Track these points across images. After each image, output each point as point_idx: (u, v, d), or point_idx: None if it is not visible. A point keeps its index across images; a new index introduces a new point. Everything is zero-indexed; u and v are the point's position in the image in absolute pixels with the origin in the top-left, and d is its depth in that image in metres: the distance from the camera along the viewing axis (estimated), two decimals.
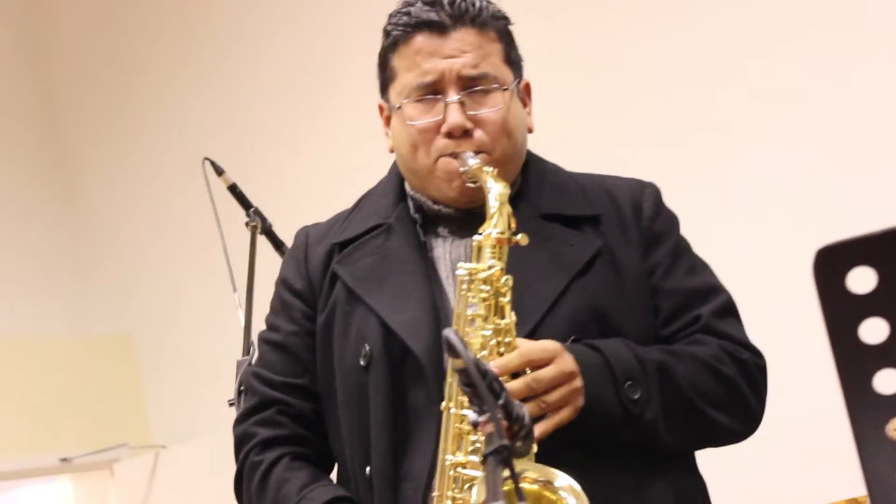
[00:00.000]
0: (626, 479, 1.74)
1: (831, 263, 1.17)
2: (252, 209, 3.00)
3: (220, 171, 3.05)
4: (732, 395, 1.81)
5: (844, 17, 3.62)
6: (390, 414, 1.79)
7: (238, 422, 1.94)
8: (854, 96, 3.58)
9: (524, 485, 1.53)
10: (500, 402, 1.39)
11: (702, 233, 3.62)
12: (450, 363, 1.62)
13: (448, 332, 1.34)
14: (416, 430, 1.77)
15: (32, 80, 5.72)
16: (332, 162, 4.73)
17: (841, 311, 1.18)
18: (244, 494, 1.91)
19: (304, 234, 1.99)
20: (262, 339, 1.99)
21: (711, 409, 1.79)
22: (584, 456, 1.64)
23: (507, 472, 1.28)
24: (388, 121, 1.92)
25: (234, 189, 3.03)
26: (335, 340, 1.87)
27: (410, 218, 1.90)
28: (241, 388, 2.45)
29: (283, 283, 1.97)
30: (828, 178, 3.59)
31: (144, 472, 5.17)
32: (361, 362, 1.81)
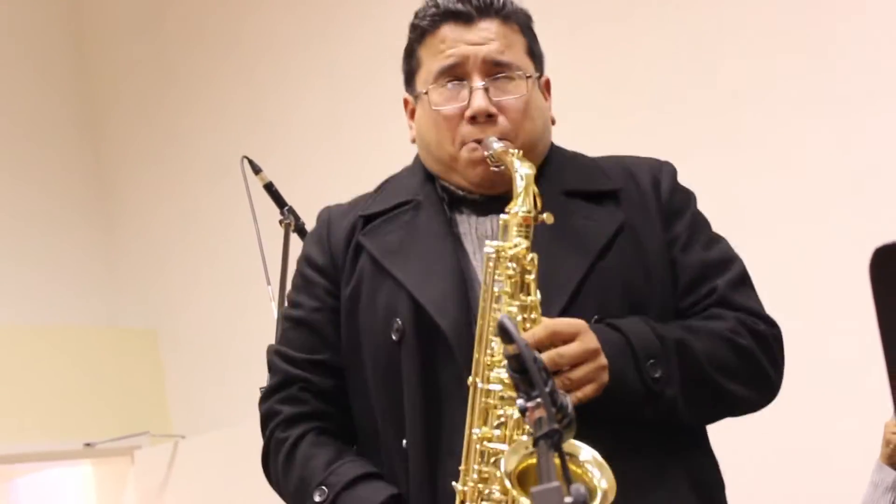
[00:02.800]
0: (644, 461, 1.70)
1: (888, 262, 1.14)
2: (286, 207, 2.97)
3: (257, 170, 3.02)
4: (750, 366, 1.78)
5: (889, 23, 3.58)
6: (423, 389, 1.74)
7: (262, 400, 1.90)
8: None
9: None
10: (548, 388, 1.35)
11: (748, 232, 3.56)
12: (502, 349, 1.60)
13: (503, 318, 1.31)
14: (450, 406, 1.73)
15: (73, 78, 5.72)
16: (364, 163, 4.71)
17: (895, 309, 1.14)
18: (271, 469, 1.87)
19: (327, 213, 1.95)
20: (284, 317, 1.94)
21: (729, 382, 1.76)
22: (603, 439, 1.57)
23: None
24: (412, 114, 1.90)
25: (269, 187, 3.00)
26: (362, 313, 1.82)
27: (438, 196, 1.86)
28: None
29: (305, 259, 1.92)
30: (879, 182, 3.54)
31: (163, 459, 5.15)
32: (393, 337, 1.77)
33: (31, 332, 5.22)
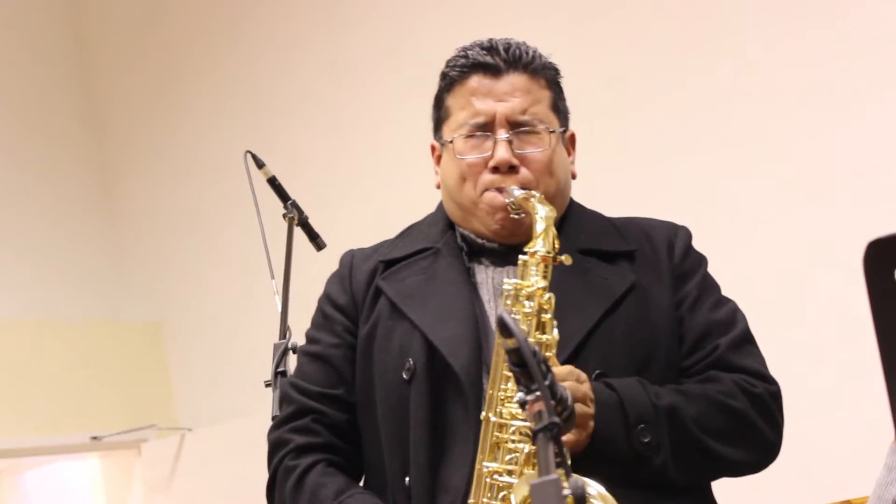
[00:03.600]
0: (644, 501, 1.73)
1: (881, 256, 1.15)
2: (290, 201, 2.98)
3: (260, 164, 3.03)
4: (744, 429, 1.81)
5: (881, 17, 3.58)
6: (430, 427, 1.78)
7: (273, 429, 1.93)
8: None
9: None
10: (547, 382, 1.37)
11: (748, 225, 3.53)
12: (501, 343, 1.63)
13: (501, 312, 1.32)
14: (454, 443, 1.77)
15: (76, 72, 5.73)
16: (367, 157, 4.73)
17: (889, 302, 1.16)
18: (276, 498, 1.89)
19: (350, 255, 2.01)
20: (302, 352, 1.98)
21: (721, 446, 1.79)
22: (602, 483, 1.61)
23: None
24: (438, 160, 1.95)
25: (273, 182, 3.01)
26: (376, 352, 1.86)
27: (457, 245, 1.91)
28: (279, 386, 2.40)
29: (326, 298, 1.97)
30: (872, 178, 3.55)
31: (170, 452, 5.18)
32: (404, 376, 1.81)
33: (36, 326, 5.25)
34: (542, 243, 1.74)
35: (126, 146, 5.69)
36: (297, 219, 2.96)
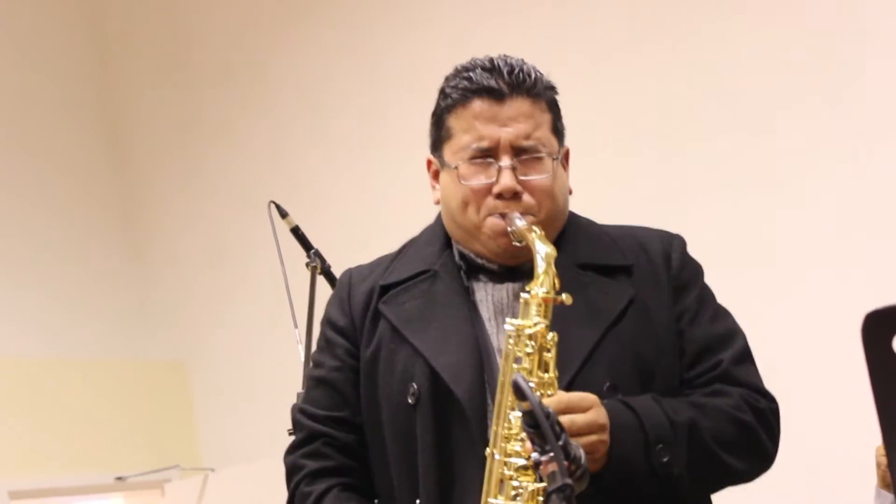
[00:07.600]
0: None
1: (879, 327, 1.20)
2: (313, 251, 3.05)
3: (283, 214, 3.11)
4: (750, 441, 1.87)
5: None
6: (437, 452, 1.83)
7: (287, 454, 1.99)
8: None
9: None
10: (560, 443, 1.43)
11: (743, 288, 3.59)
12: (515, 405, 1.69)
13: (516, 377, 1.38)
14: (463, 469, 1.81)
15: (100, 112, 5.80)
16: (391, 205, 4.79)
17: (887, 372, 1.21)
18: None
19: (348, 276, 2.04)
20: (308, 377, 2.05)
21: (731, 457, 1.84)
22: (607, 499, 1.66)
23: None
24: (435, 175, 1.98)
25: (296, 231, 3.09)
26: (381, 376, 1.91)
27: (455, 265, 1.95)
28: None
29: (327, 321, 2.02)
30: (874, 240, 3.60)
31: (193, 492, 5.21)
32: (409, 400, 1.86)
33: (60, 365, 5.31)
34: (542, 283, 1.78)
35: (150, 186, 5.77)
36: (321, 268, 3.03)
